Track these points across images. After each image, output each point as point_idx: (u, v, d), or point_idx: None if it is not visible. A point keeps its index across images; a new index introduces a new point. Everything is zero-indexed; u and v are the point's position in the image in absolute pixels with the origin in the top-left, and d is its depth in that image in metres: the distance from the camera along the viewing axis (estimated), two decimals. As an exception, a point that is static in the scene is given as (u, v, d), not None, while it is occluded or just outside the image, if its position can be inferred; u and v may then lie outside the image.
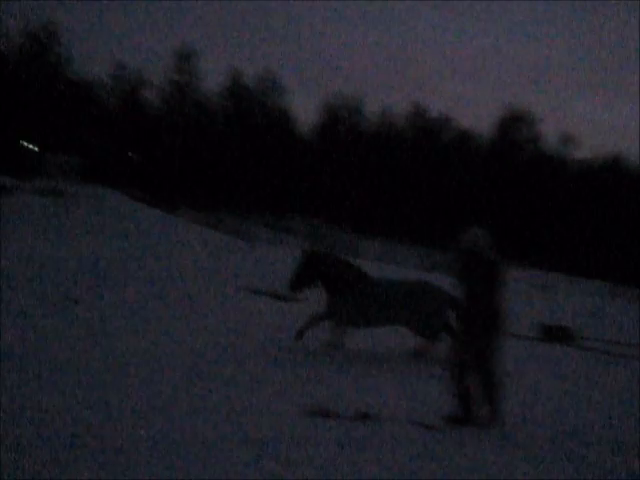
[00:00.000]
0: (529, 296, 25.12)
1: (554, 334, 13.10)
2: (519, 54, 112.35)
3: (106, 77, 57.29)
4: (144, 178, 49.05)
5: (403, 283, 9.66)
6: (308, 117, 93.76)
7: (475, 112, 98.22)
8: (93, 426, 5.05)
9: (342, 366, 8.34)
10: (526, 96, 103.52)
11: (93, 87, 56.65)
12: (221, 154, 51.96)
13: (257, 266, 22.27)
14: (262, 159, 52.69)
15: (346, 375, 7.81)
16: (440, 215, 54.02)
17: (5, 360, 6.69)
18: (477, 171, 58.06)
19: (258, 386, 6.85)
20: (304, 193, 53.38)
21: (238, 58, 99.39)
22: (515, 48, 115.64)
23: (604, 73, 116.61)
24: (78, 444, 4.66)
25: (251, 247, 30.23)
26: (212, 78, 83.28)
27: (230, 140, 53.69)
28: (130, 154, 49.87)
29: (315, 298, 10.89)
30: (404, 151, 58.74)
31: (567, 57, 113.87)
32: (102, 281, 13.91)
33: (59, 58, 52.21)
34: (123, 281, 14.24)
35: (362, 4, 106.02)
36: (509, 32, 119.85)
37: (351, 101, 62.05)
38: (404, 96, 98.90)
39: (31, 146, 45.12)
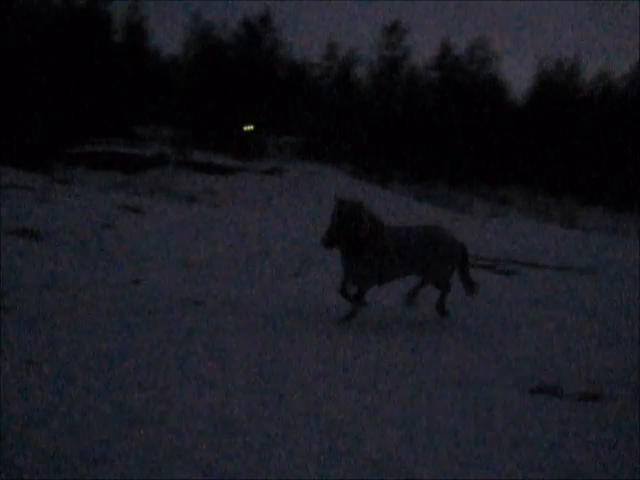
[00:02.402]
0: None
1: None
2: None
3: (319, 58, 58.91)
4: (358, 153, 49.98)
5: (416, 231, 8.60)
6: (521, 84, 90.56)
7: None
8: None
9: (566, 343, 8.01)
10: None
11: (307, 68, 58.58)
12: (432, 126, 51.60)
13: (472, 238, 21.95)
14: (474, 129, 51.63)
15: (571, 352, 7.50)
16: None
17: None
18: None
19: (485, 360, 6.76)
20: (519, 162, 51.56)
21: (448, 29, 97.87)
22: None
23: None
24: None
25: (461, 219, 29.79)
26: (422, 51, 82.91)
27: (441, 111, 53.15)
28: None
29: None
30: (626, 115, 54.65)
31: None
32: (322, 255, 14.39)
33: (274, 43, 54.45)
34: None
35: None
36: None
37: (566, 65, 58.87)
38: (624, 57, 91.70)
39: (252, 129, 47.64)
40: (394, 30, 56.10)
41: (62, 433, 3.96)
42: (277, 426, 4.42)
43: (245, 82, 48.41)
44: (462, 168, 49.62)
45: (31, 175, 25.68)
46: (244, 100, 47.45)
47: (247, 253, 13.64)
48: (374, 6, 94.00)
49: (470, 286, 8.94)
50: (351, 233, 7.88)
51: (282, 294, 9.66)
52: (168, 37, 77.74)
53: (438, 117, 52.38)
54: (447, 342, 7.40)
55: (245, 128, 46.52)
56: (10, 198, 16.54)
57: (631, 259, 17.65)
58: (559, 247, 20.39)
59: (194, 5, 62.95)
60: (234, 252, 13.59)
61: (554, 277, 13.97)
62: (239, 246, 14.41)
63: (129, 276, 9.71)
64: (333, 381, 5.52)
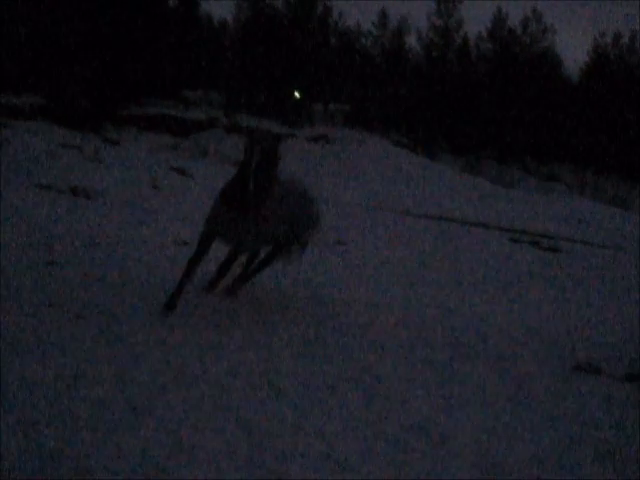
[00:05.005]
0: None
1: None
2: None
3: (370, 26, 58.32)
4: (406, 123, 49.61)
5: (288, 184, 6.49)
6: (576, 58, 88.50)
7: None
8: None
9: (610, 321, 7.93)
10: None
11: (358, 37, 58.09)
12: (483, 98, 50.83)
13: (518, 213, 21.74)
14: (525, 103, 50.71)
15: (614, 331, 7.42)
16: None
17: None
18: None
19: (526, 335, 6.73)
20: (570, 138, 50.57)
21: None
22: None
23: None
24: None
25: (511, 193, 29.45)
26: (475, 22, 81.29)
27: (493, 83, 52.28)
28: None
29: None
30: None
31: None
32: (364, 223, 14.42)
33: (326, 10, 54.04)
34: (383, 223, 14.67)
35: None
36: None
37: (623, 40, 57.22)
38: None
39: (300, 96, 47.55)
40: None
41: (109, 385, 4.09)
42: (319, 389, 4.50)
43: (295, 49, 48.22)
44: (511, 142, 48.90)
45: (82, 135, 26.03)
46: (293, 67, 47.34)
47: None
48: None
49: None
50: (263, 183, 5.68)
51: (324, 262, 9.71)
52: (220, 1, 77.66)
53: (489, 89, 51.55)
54: (487, 315, 7.39)
55: (293, 94, 46.47)
56: (62, 158, 16.83)
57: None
58: (608, 226, 20.05)
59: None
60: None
61: (600, 255, 13.80)
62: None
63: (175, 237, 9.84)
64: (374, 349, 5.57)
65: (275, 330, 5.72)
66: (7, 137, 17.71)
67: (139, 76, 38.68)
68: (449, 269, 10.49)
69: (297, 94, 47.53)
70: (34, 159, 15.45)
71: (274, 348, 5.22)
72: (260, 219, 5.80)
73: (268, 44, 47.91)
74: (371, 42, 58.60)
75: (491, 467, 3.76)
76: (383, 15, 58.07)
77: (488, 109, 49.85)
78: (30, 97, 33.56)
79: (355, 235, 12.81)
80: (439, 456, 3.78)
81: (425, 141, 47.34)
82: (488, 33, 56.49)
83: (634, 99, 51.34)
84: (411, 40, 58.49)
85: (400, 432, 4.00)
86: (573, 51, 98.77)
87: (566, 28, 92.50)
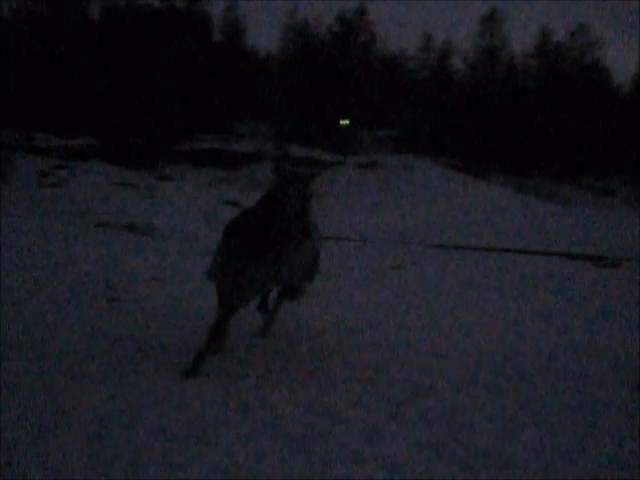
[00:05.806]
0: None
1: None
2: None
3: (414, 49, 58.59)
4: (455, 145, 49.37)
5: None
6: (627, 69, 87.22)
7: None
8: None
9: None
10: None
11: (402, 61, 58.31)
12: (532, 116, 50.31)
13: (573, 230, 21.37)
14: (575, 117, 50.02)
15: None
16: None
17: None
18: None
19: (589, 355, 6.61)
20: (624, 152, 49.59)
21: (548, 16, 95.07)
22: None
23: None
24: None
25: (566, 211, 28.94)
26: (521, 40, 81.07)
27: (542, 100, 51.75)
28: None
29: None
30: None
31: None
32: (418, 249, 14.38)
33: (370, 36, 54.40)
34: (437, 250, 14.60)
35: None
36: None
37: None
38: None
39: (348, 123, 47.80)
40: (491, 18, 55.05)
41: (173, 416, 4.15)
42: (380, 416, 4.48)
43: (341, 77, 48.62)
44: (563, 158, 48.21)
45: (137, 173, 26.66)
46: (340, 94, 47.69)
47: (343, 246, 13.73)
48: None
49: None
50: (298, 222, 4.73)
51: (383, 286, 9.72)
52: (264, 34, 79.05)
53: (538, 106, 51.02)
54: (547, 336, 7.28)
55: (341, 122, 46.74)
56: (118, 196, 17.25)
57: None
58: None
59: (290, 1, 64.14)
60: (330, 246, 13.70)
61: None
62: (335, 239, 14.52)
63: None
64: (436, 373, 5.53)
65: (333, 357, 5.74)
66: (66, 178, 18.24)
67: (189, 112, 39.49)
68: (507, 290, 10.36)
69: (345, 121, 47.79)
70: (91, 198, 15.87)
71: (333, 375, 5.24)
72: (286, 263, 5.11)
73: (315, 74, 48.44)
74: (417, 65, 58.76)
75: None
76: (427, 38, 58.27)
77: (538, 126, 49.30)
78: (86, 139, 34.52)
79: (409, 260, 12.79)
80: (505, 480, 3.73)
81: (476, 162, 47.02)
82: (535, 48, 56.10)
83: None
84: (456, 62, 58.54)
85: (466, 457, 3.96)
86: (623, 62, 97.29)
87: (615, 39, 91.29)
